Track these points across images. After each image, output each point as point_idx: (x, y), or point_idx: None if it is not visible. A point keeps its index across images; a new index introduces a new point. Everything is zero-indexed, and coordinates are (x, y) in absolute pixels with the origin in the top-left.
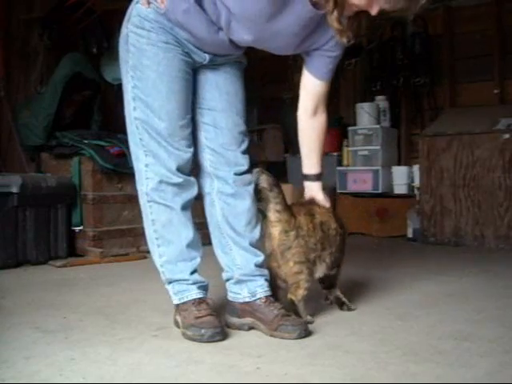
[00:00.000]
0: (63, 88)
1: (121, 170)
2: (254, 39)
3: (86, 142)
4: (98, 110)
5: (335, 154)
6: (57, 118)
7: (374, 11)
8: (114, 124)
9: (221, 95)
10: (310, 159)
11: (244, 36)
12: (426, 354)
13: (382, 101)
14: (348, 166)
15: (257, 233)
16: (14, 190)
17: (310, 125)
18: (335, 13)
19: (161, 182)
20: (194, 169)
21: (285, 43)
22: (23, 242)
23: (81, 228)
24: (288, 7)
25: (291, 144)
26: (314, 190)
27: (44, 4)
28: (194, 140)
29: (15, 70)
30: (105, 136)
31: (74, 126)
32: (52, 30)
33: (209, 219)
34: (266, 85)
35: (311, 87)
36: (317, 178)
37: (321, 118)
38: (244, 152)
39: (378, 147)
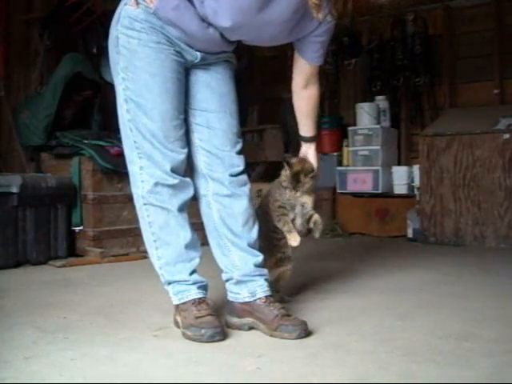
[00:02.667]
0: (63, 88)
1: (121, 170)
2: (243, 32)
3: (86, 141)
4: (98, 110)
5: (335, 153)
6: (57, 118)
7: None
8: (114, 124)
9: (213, 96)
10: (304, 125)
11: (229, 28)
12: (426, 354)
13: (382, 101)
14: (348, 165)
15: (255, 233)
16: (14, 190)
17: (302, 96)
18: None
19: (156, 184)
20: (187, 171)
21: (276, 31)
22: (23, 242)
23: (81, 228)
24: None
25: (291, 144)
26: (309, 149)
27: (44, 4)
28: (187, 142)
29: (15, 70)
30: (105, 136)
31: (74, 125)
32: (52, 30)
33: (205, 221)
34: (266, 85)
35: (302, 68)
36: (311, 139)
37: (312, 90)
38: (239, 152)
39: (377, 147)
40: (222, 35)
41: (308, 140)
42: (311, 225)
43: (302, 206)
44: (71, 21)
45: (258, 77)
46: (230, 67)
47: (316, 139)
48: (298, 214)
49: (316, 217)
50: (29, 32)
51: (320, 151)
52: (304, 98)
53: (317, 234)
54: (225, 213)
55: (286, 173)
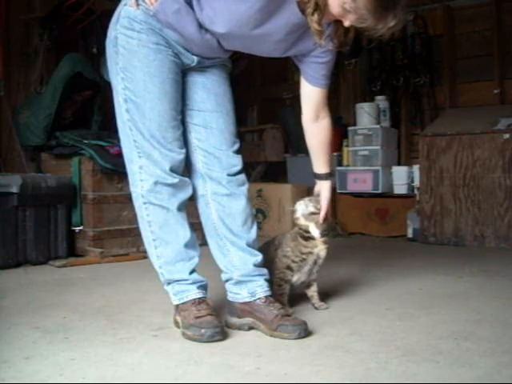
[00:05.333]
0: (63, 88)
1: (121, 170)
2: (238, 44)
3: (85, 142)
4: (98, 110)
5: (335, 154)
6: (57, 118)
7: (345, 23)
8: (114, 124)
9: (209, 96)
10: (317, 161)
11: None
12: (426, 354)
13: (382, 101)
14: (348, 165)
15: (253, 233)
16: (14, 190)
17: (313, 130)
18: (315, 15)
19: (156, 183)
20: (185, 171)
21: (271, 48)
22: (23, 242)
23: (81, 228)
24: (278, 14)
25: (291, 144)
26: (323, 188)
27: (44, 4)
28: (184, 142)
29: (15, 70)
30: (105, 136)
31: (74, 125)
32: (52, 30)
33: (204, 221)
34: (266, 85)
35: (309, 95)
36: (326, 177)
37: (323, 123)
38: (236, 152)
39: (377, 147)
40: (218, 42)
41: (322, 177)
42: (308, 293)
43: (315, 263)
44: (71, 21)
45: (258, 77)
46: (225, 69)
47: (331, 176)
48: (303, 274)
49: (313, 289)
50: (29, 32)
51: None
52: (315, 134)
53: (320, 305)
54: (223, 212)
55: (298, 214)
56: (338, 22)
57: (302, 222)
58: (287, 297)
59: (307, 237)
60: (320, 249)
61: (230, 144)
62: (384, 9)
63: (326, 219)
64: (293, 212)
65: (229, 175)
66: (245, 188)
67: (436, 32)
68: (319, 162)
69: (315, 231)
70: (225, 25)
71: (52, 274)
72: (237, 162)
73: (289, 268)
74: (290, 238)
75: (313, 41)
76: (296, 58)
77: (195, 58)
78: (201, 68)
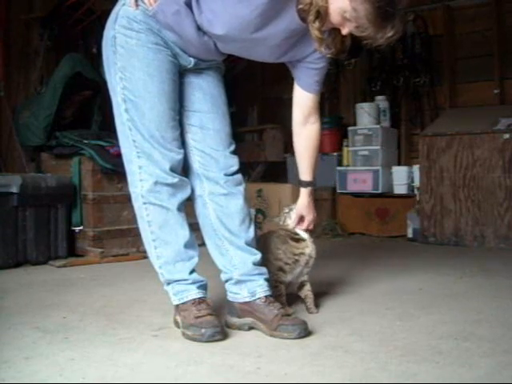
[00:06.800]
0: (63, 88)
1: (121, 170)
2: (235, 47)
3: (85, 141)
4: (98, 110)
5: (335, 153)
6: (57, 118)
7: (344, 31)
8: (113, 124)
9: (205, 97)
10: (301, 166)
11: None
12: (426, 354)
13: (382, 101)
14: (348, 165)
15: (251, 232)
16: (14, 189)
17: (300, 134)
18: (317, 23)
19: (156, 182)
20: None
21: (268, 52)
22: (23, 242)
23: (81, 228)
24: (277, 20)
25: (291, 144)
26: (303, 196)
27: (44, 4)
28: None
29: (15, 70)
30: (105, 136)
31: (74, 126)
32: (52, 30)
33: (201, 222)
34: (266, 85)
35: (301, 99)
36: (306, 184)
37: (312, 128)
38: (232, 153)
39: (377, 147)
40: (215, 44)
41: (303, 185)
42: (301, 294)
43: (307, 263)
44: (71, 21)
45: (258, 77)
46: (220, 71)
47: (312, 184)
48: (294, 275)
49: (307, 288)
50: (29, 32)
51: (320, 152)
52: (303, 137)
53: (312, 308)
54: (221, 212)
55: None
56: (335, 30)
57: (292, 225)
58: (285, 297)
59: (298, 238)
60: (311, 249)
61: (226, 145)
62: (383, 19)
63: (312, 229)
64: (283, 215)
65: (226, 175)
66: (242, 188)
67: (436, 32)
68: (301, 169)
69: (304, 234)
70: (223, 27)
71: (52, 274)
72: (234, 163)
73: (281, 270)
74: (279, 242)
75: (308, 47)
76: (290, 63)
77: (192, 59)
78: (197, 70)
